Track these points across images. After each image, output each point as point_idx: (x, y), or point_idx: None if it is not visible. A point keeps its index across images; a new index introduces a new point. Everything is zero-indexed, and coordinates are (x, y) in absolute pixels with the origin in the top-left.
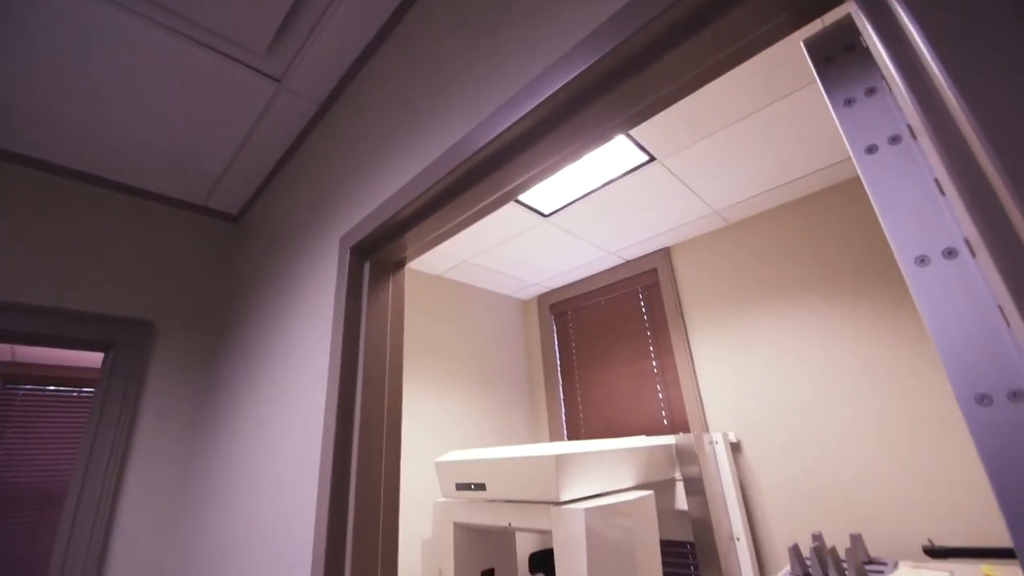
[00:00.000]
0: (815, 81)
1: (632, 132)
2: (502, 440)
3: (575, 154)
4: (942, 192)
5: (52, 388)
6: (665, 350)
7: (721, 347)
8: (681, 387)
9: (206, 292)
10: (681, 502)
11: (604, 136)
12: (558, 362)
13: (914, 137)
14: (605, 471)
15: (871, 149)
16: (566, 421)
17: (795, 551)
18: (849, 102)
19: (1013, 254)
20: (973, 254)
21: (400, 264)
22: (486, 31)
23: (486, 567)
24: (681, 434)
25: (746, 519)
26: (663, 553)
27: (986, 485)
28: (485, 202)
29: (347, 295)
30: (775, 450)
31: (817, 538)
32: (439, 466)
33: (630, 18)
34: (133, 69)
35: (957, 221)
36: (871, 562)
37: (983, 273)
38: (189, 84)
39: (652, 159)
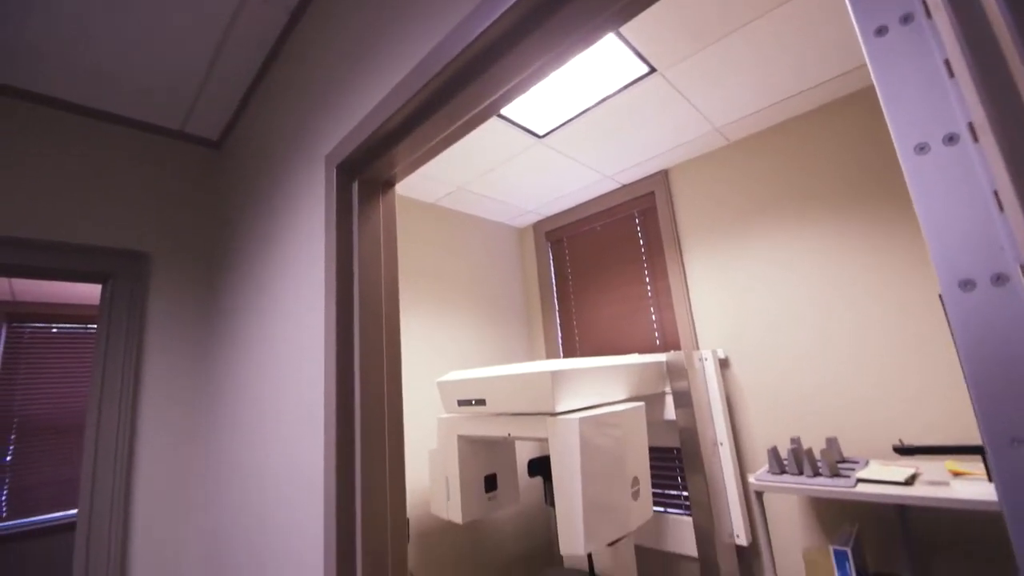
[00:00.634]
0: None
1: (632, 41)
2: (500, 362)
3: (562, 56)
4: (951, 74)
5: (58, 326)
6: (660, 273)
7: (714, 268)
8: (674, 309)
9: (198, 222)
10: (670, 413)
11: (590, 35)
12: (554, 288)
13: (928, 15)
14: (598, 385)
15: (881, 31)
16: (562, 344)
17: (774, 452)
18: None
19: (1020, 134)
20: (976, 138)
21: (390, 184)
22: None
23: (488, 473)
24: (672, 352)
25: (730, 427)
26: (652, 458)
27: (953, 390)
28: (471, 113)
29: (337, 217)
30: (760, 364)
31: (795, 441)
32: (441, 385)
33: None
34: None
35: (964, 104)
36: (844, 461)
37: (983, 158)
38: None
39: (652, 70)
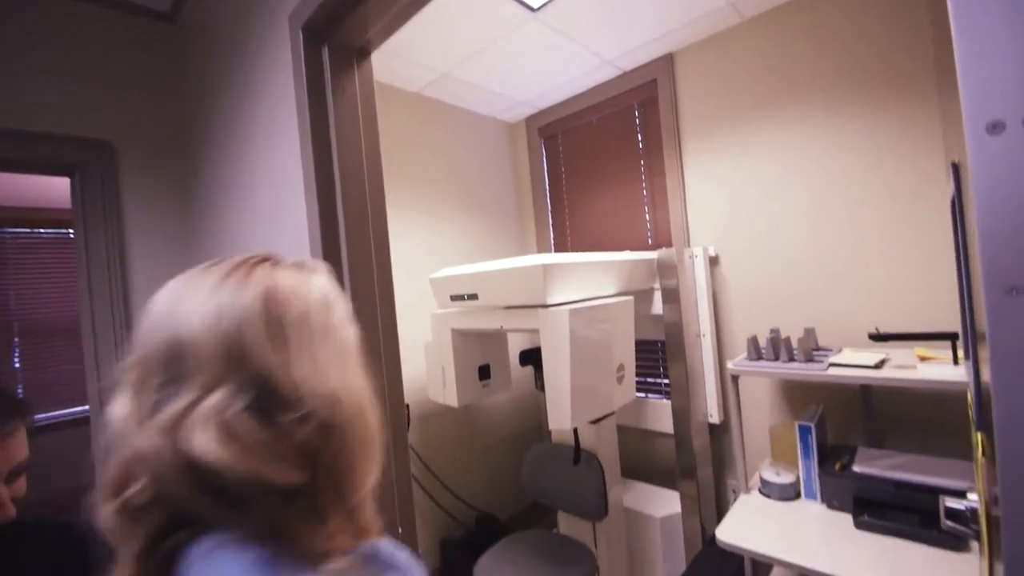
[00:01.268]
0: None
1: None
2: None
3: None
4: None
5: (45, 231)
6: (657, 170)
7: (713, 165)
8: (669, 207)
9: (160, 106)
10: (657, 308)
11: None
12: (547, 186)
13: None
14: (589, 280)
15: None
16: (554, 243)
17: (753, 341)
18: None
19: None
20: None
21: (364, 52)
22: None
23: (482, 363)
24: (663, 249)
25: (713, 320)
26: (637, 350)
27: (933, 286)
28: None
29: (308, 91)
30: (748, 261)
31: (774, 331)
32: (433, 282)
33: None
34: None
35: None
36: (819, 349)
37: None
38: None
39: None
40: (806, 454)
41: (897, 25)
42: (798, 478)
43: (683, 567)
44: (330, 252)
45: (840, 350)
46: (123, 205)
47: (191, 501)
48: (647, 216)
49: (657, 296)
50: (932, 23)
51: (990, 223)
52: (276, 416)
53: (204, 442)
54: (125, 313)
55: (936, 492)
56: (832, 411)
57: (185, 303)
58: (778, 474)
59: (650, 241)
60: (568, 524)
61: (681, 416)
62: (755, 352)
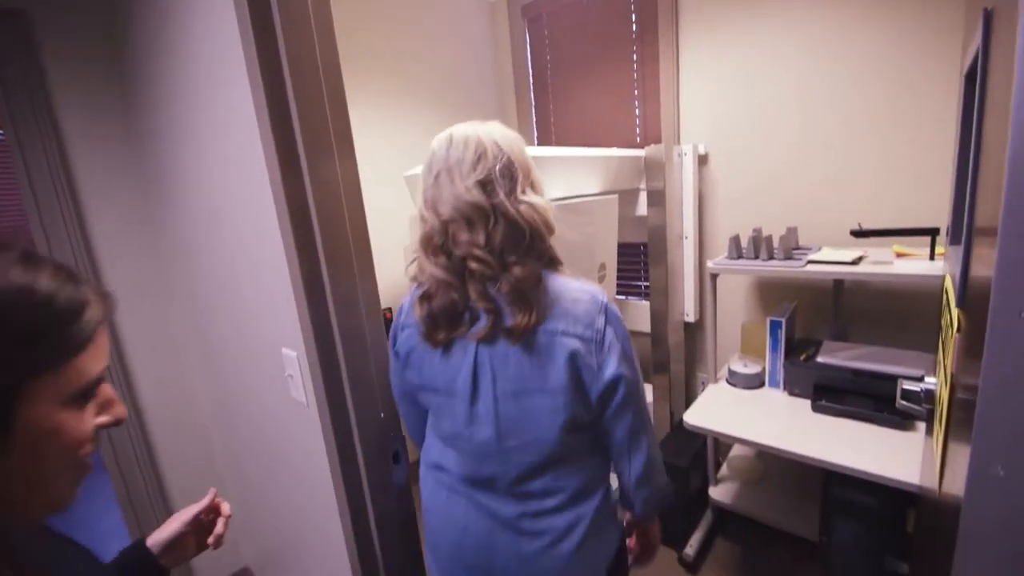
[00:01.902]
0: None
1: None
2: None
3: None
4: None
5: None
6: (650, 58)
7: (710, 55)
8: (661, 100)
9: None
10: (642, 209)
11: None
12: (530, 75)
13: None
14: (572, 175)
15: None
16: (537, 139)
17: (735, 240)
18: None
19: None
20: None
21: None
22: None
23: None
24: (652, 145)
25: (697, 222)
26: (619, 253)
27: (921, 185)
28: None
29: None
30: (738, 160)
31: (756, 230)
32: (409, 179)
33: None
34: None
35: None
36: (799, 248)
37: None
38: None
39: None
40: (774, 347)
41: None
42: (764, 369)
43: None
44: (286, 160)
45: (820, 249)
46: (50, 87)
47: None
48: (637, 112)
49: (642, 197)
50: None
51: None
52: None
53: None
54: (77, 216)
55: (890, 379)
56: (804, 309)
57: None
58: (745, 365)
59: (639, 140)
60: None
61: (659, 317)
62: (736, 251)
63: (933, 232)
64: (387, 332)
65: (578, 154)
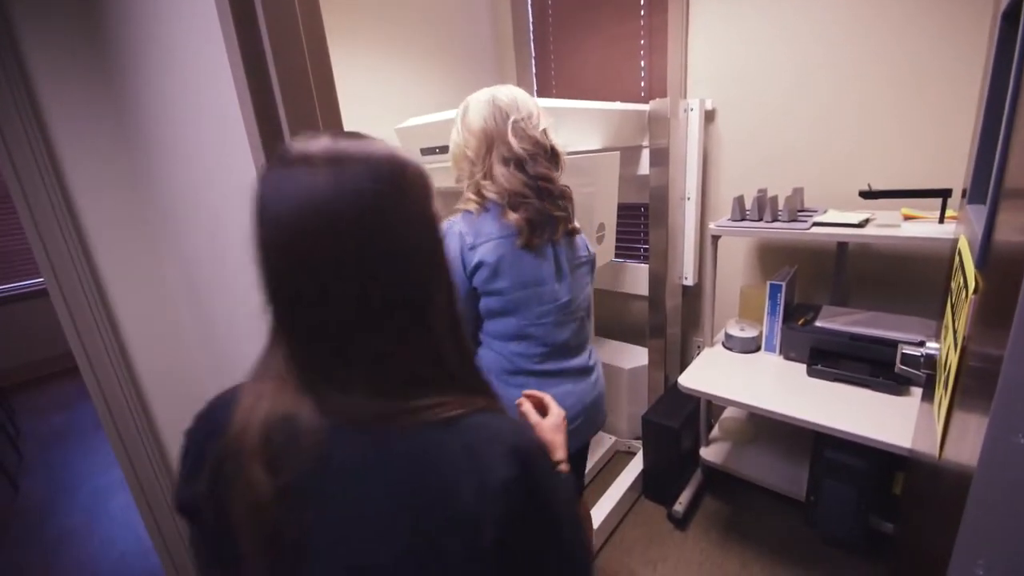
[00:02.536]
0: None
1: None
2: None
3: None
4: None
5: None
6: (659, 7)
7: (723, 3)
8: (668, 52)
9: None
10: (644, 168)
11: None
12: (530, 21)
13: None
14: (572, 130)
15: None
16: (537, 92)
17: (739, 200)
18: None
19: None
20: None
21: None
22: None
23: None
24: (657, 100)
25: (701, 182)
26: (619, 215)
27: (929, 142)
28: None
29: None
30: (746, 116)
31: (761, 191)
32: (400, 132)
33: None
34: None
35: None
36: (805, 210)
37: None
38: None
39: None
40: (772, 311)
41: None
42: (761, 333)
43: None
44: (263, 117)
45: (826, 211)
46: (17, 40)
47: None
48: (642, 64)
49: (644, 155)
50: None
51: None
52: None
53: None
54: (52, 166)
55: (888, 344)
56: (806, 273)
57: None
58: (742, 329)
59: (643, 95)
60: None
61: (657, 280)
62: (739, 212)
63: (945, 193)
64: None
65: (579, 106)
